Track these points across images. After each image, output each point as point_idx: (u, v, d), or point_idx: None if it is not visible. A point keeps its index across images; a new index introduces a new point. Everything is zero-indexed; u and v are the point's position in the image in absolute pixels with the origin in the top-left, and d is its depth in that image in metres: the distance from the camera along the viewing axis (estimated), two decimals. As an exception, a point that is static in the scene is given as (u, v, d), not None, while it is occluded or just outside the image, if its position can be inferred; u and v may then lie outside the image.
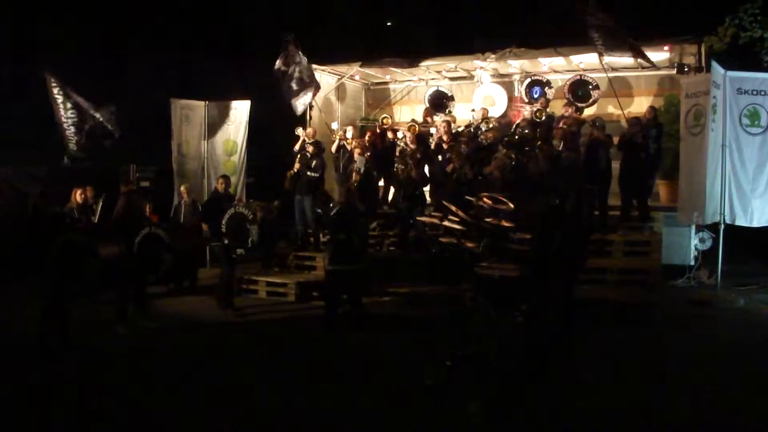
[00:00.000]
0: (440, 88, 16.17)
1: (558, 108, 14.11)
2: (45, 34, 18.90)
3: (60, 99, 12.98)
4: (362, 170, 12.79)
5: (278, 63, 13.40)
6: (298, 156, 13.13)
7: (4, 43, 18.22)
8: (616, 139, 12.19)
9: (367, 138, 13.60)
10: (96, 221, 11.61)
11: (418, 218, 11.26)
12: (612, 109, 14.63)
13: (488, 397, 6.48)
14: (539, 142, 12.07)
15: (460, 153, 12.22)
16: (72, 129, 13.02)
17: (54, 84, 12.95)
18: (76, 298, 9.70)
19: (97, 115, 13.04)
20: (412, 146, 13.01)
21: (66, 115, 13.02)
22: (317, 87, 13.98)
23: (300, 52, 13.45)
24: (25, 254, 11.41)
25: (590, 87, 14.20)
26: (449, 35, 20.34)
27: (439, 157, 12.94)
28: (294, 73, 13.41)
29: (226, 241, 10.65)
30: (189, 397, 7.00)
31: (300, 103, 13.69)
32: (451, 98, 16.02)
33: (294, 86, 13.47)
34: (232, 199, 11.49)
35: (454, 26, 20.99)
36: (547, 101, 14.43)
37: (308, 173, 12.84)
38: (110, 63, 19.62)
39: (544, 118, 13.40)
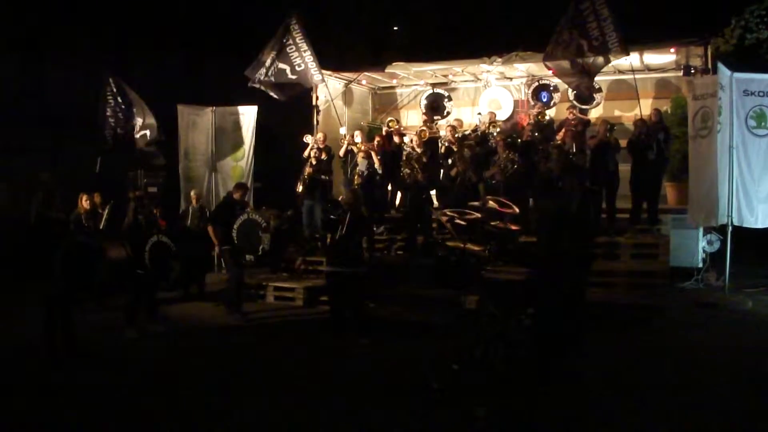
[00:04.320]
0: (436, 90, 16.18)
1: (562, 111, 14.12)
2: (51, 38, 18.99)
3: (110, 99, 13.86)
4: (365, 173, 12.80)
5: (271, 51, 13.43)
6: (308, 162, 13.16)
7: (11, 48, 18.29)
8: (623, 142, 12.18)
9: (375, 142, 13.59)
10: (102, 227, 11.66)
11: (430, 208, 11.20)
12: (617, 112, 14.67)
13: (495, 401, 6.48)
14: (553, 143, 12.09)
15: (464, 157, 12.22)
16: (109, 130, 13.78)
17: (113, 84, 13.91)
18: (83, 302, 9.75)
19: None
20: (419, 150, 12.99)
21: (109, 114, 13.88)
22: (308, 84, 13.86)
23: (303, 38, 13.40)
24: (28, 259, 11.48)
25: (592, 90, 14.20)
26: (456, 39, 20.36)
27: (450, 161, 12.94)
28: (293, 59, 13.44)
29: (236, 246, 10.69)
30: (196, 401, 7.02)
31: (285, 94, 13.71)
32: (449, 98, 16.03)
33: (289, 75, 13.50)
34: (245, 206, 11.49)
35: (462, 29, 20.98)
36: (552, 105, 14.47)
37: (321, 176, 12.90)
38: (116, 67, 19.69)
39: (547, 119, 13.42)
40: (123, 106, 13.90)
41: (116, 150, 14.01)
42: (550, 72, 12.53)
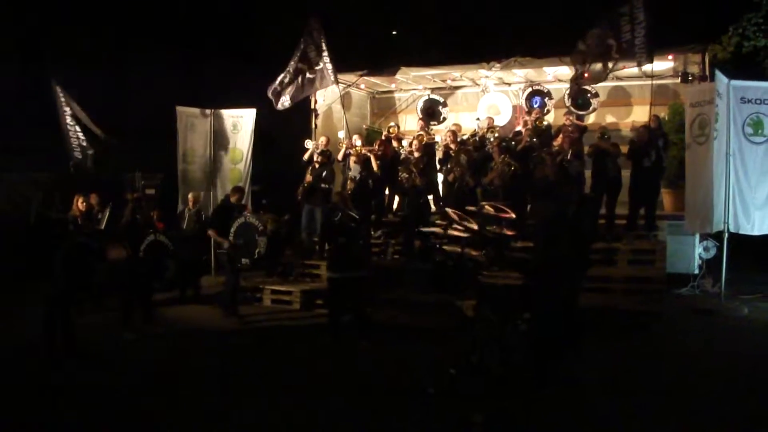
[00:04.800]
0: (431, 96, 16.19)
1: (559, 117, 14.16)
2: (51, 41, 18.99)
3: (64, 108, 13.57)
4: (357, 178, 12.80)
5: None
6: (309, 168, 13.16)
7: (11, 48, 18.30)
8: (624, 148, 12.21)
9: (377, 147, 13.61)
10: (102, 228, 11.66)
11: (421, 229, 11.28)
12: (614, 118, 14.72)
13: (492, 405, 6.50)
14: (545, 149, 12.12)
15: (460, 162, 12.25)
16: (74, 138, 13.49)
17: (60, 93, 13.54)
18: (82, 303, 9.75)
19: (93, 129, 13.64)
20: (417, 154, 13.01)
21: (69, 123, 13.60)
22: (323, 84, 13.91)
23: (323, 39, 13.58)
24: (27, 260, 11.49)
25: (589, 95, 14.26)
26: (455, 44, 20.42)
27: (449, 166, 12.95)
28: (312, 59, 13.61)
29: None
30: (194, 402, 7.04)
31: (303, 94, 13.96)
32: (444, 104, 16.07)
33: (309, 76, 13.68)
34: (243, 209, 11.52)
35: (460, 35, 21.04)
36: (546, 111, 14.52)
37: (322, 185, 12.94)
38: (116, 70, 19.71)
39: (545, 125, 13.43)
40: (72, 111, 13.77)
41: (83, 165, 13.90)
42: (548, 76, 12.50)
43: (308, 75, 13.61)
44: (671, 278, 11.49)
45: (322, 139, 13.78)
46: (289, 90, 13.73)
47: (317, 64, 13.51)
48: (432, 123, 15.56)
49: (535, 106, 14.62)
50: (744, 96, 11.02)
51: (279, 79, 13.75)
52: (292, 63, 13.68)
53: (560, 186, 11.17)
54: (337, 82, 13.86)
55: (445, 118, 15.86)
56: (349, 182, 12.98)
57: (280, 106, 13.93)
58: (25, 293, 10.89)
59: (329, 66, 13.44)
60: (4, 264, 12.42)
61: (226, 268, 11.12)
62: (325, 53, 13.43)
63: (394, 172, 13.28)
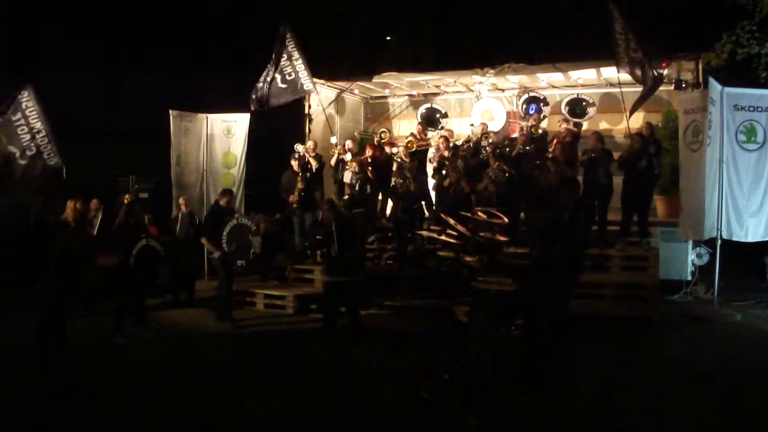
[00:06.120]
0: (434, 105, 16.24)
1: (554, 124, 14.17)
2: (43, 47, 18.97)
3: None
4: (355, 186, 12.78)
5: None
6: (300, 176, 13.07)
7: (2, 56, 18.30)
8: (616, 155, 12.22)
9: (367, 152, 13.61)
10: (95, 233, 11.62)
11: (417, 231, 11.27)
12: (607, 125, 14.73)
13: (485, 410, 6.50)
14: (549, 156, 12.12)
15: (457, 167, 12.25)
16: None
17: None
18: (74, 308, 9.74)
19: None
20: (406, 160, 13.03)
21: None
22: (298, 93, 13.84)
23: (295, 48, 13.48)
24: (25, 263, 11.47)
25: (586, 104, 14.30)
26: (449, 50, 20.47)
27: (443, 172, 12.94)
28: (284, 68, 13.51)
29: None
30: (185, 409, 7.01)
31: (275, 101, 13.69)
32: (445, 115, 16.11)
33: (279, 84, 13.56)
34: (234, 213, 11.51)
35: (454, 41, 21.09)
36: (543, 117, 14.53)
37: (315, 192, 12.94)
38: (110, 72, 19.70)
39: (540, 132, 13.44)
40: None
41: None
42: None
43: (280, 84, 13.51)
44: (664, 285, 11.50)
45: (309, 144, 13.72)
46: (261, 94, 13.56)
47: (290, 74, 13.45)
48: (429, 129, 15.57)
49: (531, 112, 14.64)
50: (737, 103, 11.05)
51: (255, 92, 13.62)
52: (266, 70, 13.56)
53: (561, 192, 11.16)
54: (314, 90, 13.85)
55: (442, 127, 15.88)
56: (347, 188, 12.96)
57: (252, 107, 13.83)
58: (22, 296, 10.85)
59: (303, 74, 13.42)
60: (3, 266, 12.38)
61: (219, 272, 11.10)
62: (299, 61, 13.39)
63: (386, 177, 13.28)
